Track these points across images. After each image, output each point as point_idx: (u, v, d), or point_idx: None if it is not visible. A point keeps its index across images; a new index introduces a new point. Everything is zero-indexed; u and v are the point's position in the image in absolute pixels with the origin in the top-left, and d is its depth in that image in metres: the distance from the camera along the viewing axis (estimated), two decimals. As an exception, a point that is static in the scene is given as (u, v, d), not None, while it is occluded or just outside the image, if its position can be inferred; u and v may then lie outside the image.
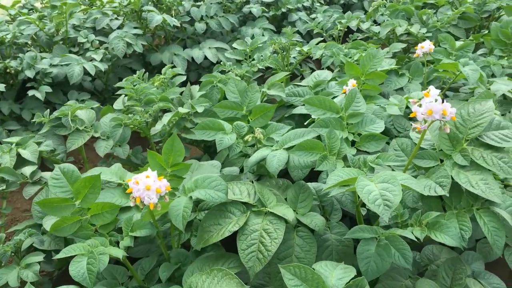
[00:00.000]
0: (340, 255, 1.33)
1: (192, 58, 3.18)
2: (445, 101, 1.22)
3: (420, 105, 1.23)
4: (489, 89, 1.91)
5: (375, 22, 3.26)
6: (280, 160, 1.35)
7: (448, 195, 1.28)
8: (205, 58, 3.18)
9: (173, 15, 3.29)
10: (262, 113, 1.62)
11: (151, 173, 1.21)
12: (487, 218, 1.29)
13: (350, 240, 1.33)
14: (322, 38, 2.63)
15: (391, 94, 2.09)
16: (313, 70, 2.68)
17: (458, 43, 2.24)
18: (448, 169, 1.35)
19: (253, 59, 2.23)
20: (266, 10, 3.53)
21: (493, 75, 2.17)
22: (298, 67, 2.67)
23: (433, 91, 1.23)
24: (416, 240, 1.24)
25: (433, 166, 1.39)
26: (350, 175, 1.15)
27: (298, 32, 3.50)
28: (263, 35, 3.36)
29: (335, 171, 1.16)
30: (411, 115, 1.24)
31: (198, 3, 3.57)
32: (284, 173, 1.62)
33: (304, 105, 1.52)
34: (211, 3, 3.55)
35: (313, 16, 3.83)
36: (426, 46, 2.12)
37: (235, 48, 2.48)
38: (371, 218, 1.52)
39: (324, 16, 3.82)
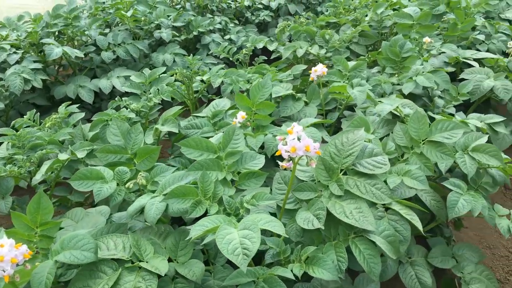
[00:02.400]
0: (224, 302, 1.30)
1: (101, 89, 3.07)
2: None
3: (285, 143, 1.24)
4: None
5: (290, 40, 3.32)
6: (158, 209, 1.30)
7: (323, 227, 1.30)
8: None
9: (76, 45, 3.17)
10: (147, 155, 1.57)
11: (7, 241, 1.12)
12: (363, 246, 1.32)
13: (233, 285, 1.31)
14: (224, 65, 2.62)
15: (299, 118, 2.11)
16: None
17: (352, 64, 2.32)
18: (325, 200, 1.37)
19: (150, 93, 2.18)
20: (177, 34, 3.49)
21: (384, 93, 2.26)
22: (205, 93, 2.64)
23: (296, 128, 1.24)
24: (294, 278, 1.23)
25: (312, 198, 1.41)
26: (214, 223, 1.13)
27: (215, 56, 3.49)
28: (174, 61, 3.32)
29: (200, 220, 1.14)
30: (277, 153, 1.25)
31: (106, 31, 3.47)
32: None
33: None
34: (119, 30, 3.47)
35: (227, 37, 3.85)
36: (319, 69, 2.18)
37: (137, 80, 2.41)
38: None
39: (237, 37, 3.86)
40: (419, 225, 1.38)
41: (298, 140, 1.23)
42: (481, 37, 2.77)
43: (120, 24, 3.53)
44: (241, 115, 1.77)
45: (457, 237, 2.34)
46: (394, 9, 3.45)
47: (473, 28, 2.95)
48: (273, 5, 4.25)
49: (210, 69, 3.38)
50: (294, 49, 2.69)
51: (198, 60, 3.52)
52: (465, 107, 2.66)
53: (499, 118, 2.14)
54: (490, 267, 2.29)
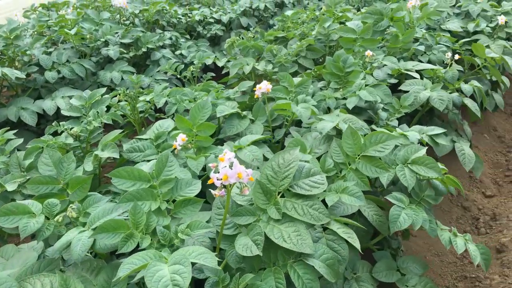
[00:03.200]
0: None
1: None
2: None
3: (217, 171, 1.22)
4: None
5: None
6: (85, 245, 1.24)
7: (261, 254, 1.28)
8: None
9: (17, 66, 3.04)
10: (79, 185, 1.51)
11: None
12: (301, 271, 1.30)
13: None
14: (168, 83, 2.58)
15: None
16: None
17: (297, 80, 2.33)
18: (263, 224, 1.35)
19: (89, 116, 2.11)
20: (125, 51, 3.42)
21: (329, 109, 2.28)
22: (152, 113, 2.59)
23: (228, 155, 1.22)
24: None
25: (251, 223, 1.39)
26: (144, 259, 1.09)
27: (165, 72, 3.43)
28: (122, 79, 3.25)
29: (129, 258, 1.09)
30: (209, 182, 1.22)
31: (51, 49, 3.35)
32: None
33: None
34: (64, 48, 3.36)
35: (178, 52, 3.80)
36: (263, 87, 2.18)
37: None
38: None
39: (188, 52, 3.82)
40: (357, 244, 1.38)
41: (230, 168, 1.21)
42: (422, 48, 2.86)
43: (66, 42, 3.42)
44: (181, 138, 1.73)
45: (406, 246, 2.38)
46: (341, 23, 3.53)
47: (417, 40, 3.04)
48: (224, 19, 4.25)
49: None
50: (241, 65, 2.68)
51: (148, 77, 3.49)
52: (412, 117, 2.73)
53: (439, 130, 2.20)
54: (439, 274, 2.34)
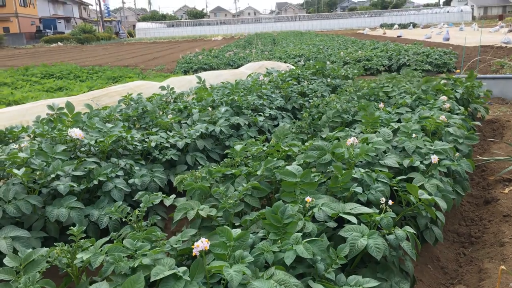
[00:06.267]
0: None
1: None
2: None
3: None
4: None
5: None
6: None
7: None
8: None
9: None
10: None
11: None
12: None
13: None
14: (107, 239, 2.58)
15: None
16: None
17: (236, 232, 2.39)
18: None
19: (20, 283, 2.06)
20: (75, 185, 3.44)
21: (267, 263, 2.32)
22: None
23: None
24: None
25: None
26: None
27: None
28: (69, 215, 3.23)
29: None
30: None
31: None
32: None
33: None
34: (13, 184, 3.36)
35: (131, 181, 3.86)
36: (201, 245, 2.21)
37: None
38: None
39: (141, 181, 3.89)
40: None
41: None
42: (359, 189, 3.02)
43: (14, 177, 3.43)
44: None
45: None
46: (288, 156, 3.73)
47: (356, 179, 3.21)
48: (180, 144, 4.41)
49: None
50: (186, 211, 2.74)
51: (98, 209, 3.48)
52: (353, 260, 2.79)
53: (375, 283, 2.25)
54: None
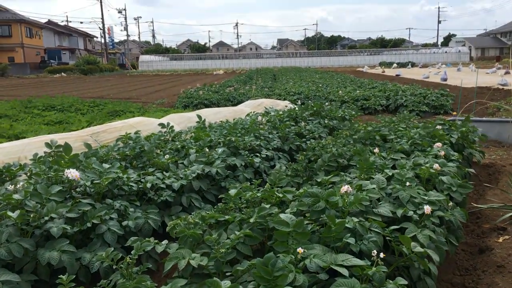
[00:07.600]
0: None
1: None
2: None
3: None
4: None
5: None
6: None
7: None
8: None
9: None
10: None
11: None
12: None
13: None
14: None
15: None
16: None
17: (226, 285, 2.37)
18: None
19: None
20: (68, 228, 3.44)
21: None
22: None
23: None
24: None
25: None
26: None
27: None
28: (61, 259, 3.21)
29: None
30: None
31: (-7, 224, 3.34)
32: None
33: None
34: (6, 225, 3.36)
35: (125, 223, 3.85)
36: None
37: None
38: None
39: (135, 224, 3.88)
40: None
41: None
42: (352, 240, 3.02)
43: (7, 219, 3.43)
44: None
45: None
46: (281, 201, 3.74)
47: (349, 229, 3.22)
48: (175, 186, 4.42)
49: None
50: (177, 260, 2.73)
51: (91, 252, 3.46)
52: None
53: None
54: None
